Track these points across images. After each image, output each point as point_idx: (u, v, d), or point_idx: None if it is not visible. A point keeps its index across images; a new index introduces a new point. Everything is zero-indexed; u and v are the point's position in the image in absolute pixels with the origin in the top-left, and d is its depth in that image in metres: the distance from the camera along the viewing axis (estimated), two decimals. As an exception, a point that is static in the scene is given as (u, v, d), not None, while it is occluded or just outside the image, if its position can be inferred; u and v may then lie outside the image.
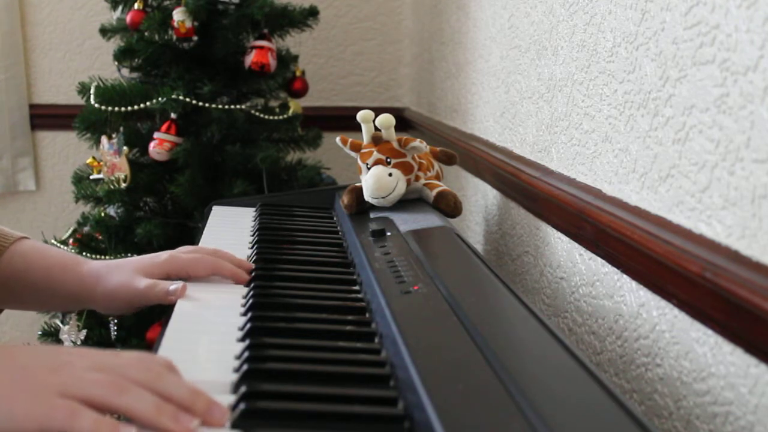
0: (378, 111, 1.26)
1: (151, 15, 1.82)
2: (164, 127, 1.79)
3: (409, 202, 1.25)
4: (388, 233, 1.10)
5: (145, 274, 0.96)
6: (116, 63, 1.93)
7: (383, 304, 0.84)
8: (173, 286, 0.92)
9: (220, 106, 1.81)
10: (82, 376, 0.65)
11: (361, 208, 1.26)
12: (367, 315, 0.88)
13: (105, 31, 1.96)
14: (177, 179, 1.79)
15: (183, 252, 1.00)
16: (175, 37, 1.83)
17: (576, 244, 1.09)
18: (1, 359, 0.67)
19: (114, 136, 1.81)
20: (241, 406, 0.63)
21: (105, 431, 0.61)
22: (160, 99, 1.77)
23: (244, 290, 0.96)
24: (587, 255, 1.06)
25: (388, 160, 1.23)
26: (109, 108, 1.79)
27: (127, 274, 0.97)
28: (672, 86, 0.85)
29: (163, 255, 0.99)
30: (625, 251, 0.92)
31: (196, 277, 0.98)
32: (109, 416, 0.64)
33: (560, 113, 1.17)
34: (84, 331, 1.63)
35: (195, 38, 1.83)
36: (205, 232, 1.25)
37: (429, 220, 1.15)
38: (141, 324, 1.80)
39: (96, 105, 1.80)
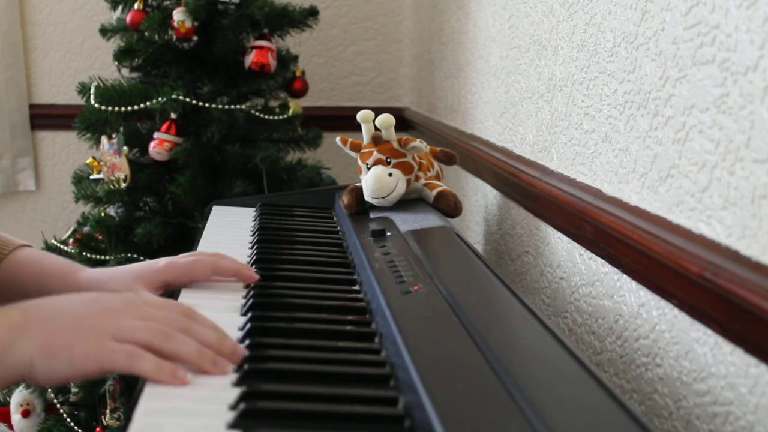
0: (378, 111, 1.26)
1: (151, 15, 1.82)
2: (164, 127, 1.79)
3: (409, 202, 1.25)
4: (388, 233, 1.10)
5: (144, 284, 0.94)
6: (116, 63, 1.93)
7: (383, 304, 0.84)
8: None
9: (220, 106, 1.81)
10: (131, 323, 0.72)
11: (361, 208, 1.26)
12: (367, 315, 0.88)
13: (105, 31, 1.95)
14: (177, 179, 1.79)
15: (182, 257, 0.99)
16: (175, 37, 1.83)
17: (576, 244, 1.09)
18: (49, 311, 0.73)
19: (114, 136, 1.81)
20: (241, 406, 0.63)
21: (166, 372, 0.68)
22: (160, 99, 1.77)
23: (244, 290, 0.96)
24: (587, 255, 1.06)
25: (388, 160, 1.23)
26: (109, 108, 1.78)
27: (126, 284, 0.95)
28: (672, 86, 0.85)
29: (161, 261, 0.96)
30: (625, 251, 0.92)
31: (198, 279, 0.96)
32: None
33: (560, 113, 1.17)
34: None
35: (195, 38, 1.82)
36: (205, 232, 1.25)
37: (429, 220, 1.15)
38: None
39: (96, 105, 1.80)
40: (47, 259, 1.03)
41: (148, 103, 1.78)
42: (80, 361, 0.69)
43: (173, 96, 1.76)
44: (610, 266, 0.99)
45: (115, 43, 1.95)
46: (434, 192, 1.26)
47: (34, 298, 0.98)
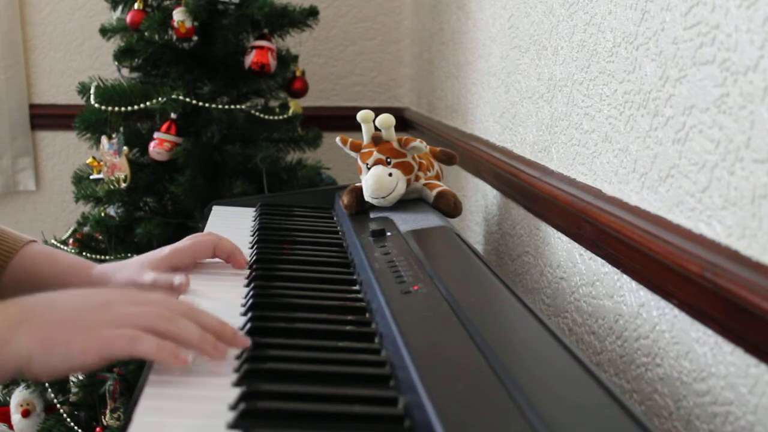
0: (378, 111, 1.26)
1: (151, 15, 1.82)
2: (164, 127, 1.79)
3: (409, 202, 1.25)
4: (388, 233, 1.10)
5: (152, 269, 0.99)
6: (116, 63, 1.93)
7: (383, 304, 0.84)
8: (177, 279, 0.95)
9: (220, 106, 1.81)
10: (129, 310, 0.72)
11: (361, 208, 1.26)
12: (367, 315, 0.88)
13: (105, 31, 1.95)
14: (177, 179, 1.79)
15: (183, 241, 1.05)
16: (175, 37, 1.83)
17: (576, 244, 1.09)
18: (47, 306, 0.73)
19: (114, 136, 1.81)
20: (241, 406, 0.63)
21: (168, 352, 0.68)
22: (160, 99, 1.77)
23: (245, 290, 0.96)
24: (587, 255, 1.06)
25: (388, 160, 1.23)
26: (109, 108, 1.79)
27: (133, 270, 1.00)
28: (672, 86, 0.85)
29: (166, 249, 1.02)
30: (625, 251, 0.92)
31: (202, 258, 1.03)
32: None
33: (560, 113, 1.17)
34: None
35: (195, 38, 1.82)
36: (205, 232, 1.25)
37: (429, 220, 1.15)
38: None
39: (96, 105, 1.80)
40: (59, 255, 1.06)
41: (148, 103, 1.78)
42: (79, 353, 0.69)
43: (173, 96, 1.76)
44: (610, 266, 0.99)
45: (115, 43, 1.95)
46: (434, 192, 1.26)
47: (51, 291, 1.01)
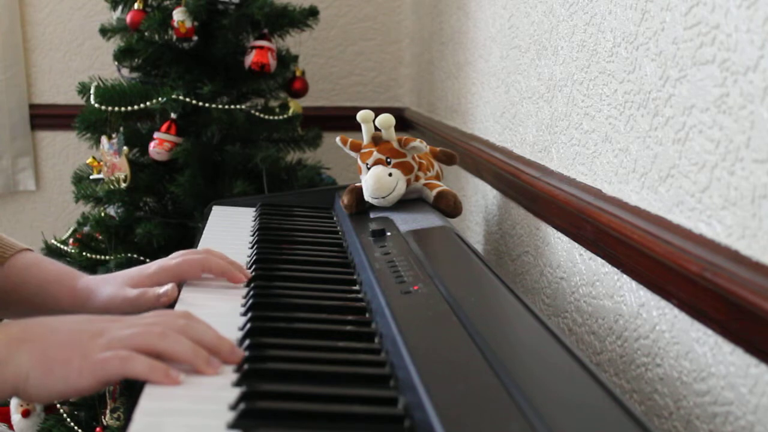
0: (378, 111, 1.26)
1: (151, 15, 1.82)
2: (164, 127, 1.79)
3: (409, 202, 1.25)
4: (388, 233, 1.10)
5: (134, 286, 0.97)
6: (116, 63, 1.93)
7: (383, 304, 0.84)
8: (162, 289, 0.94)
9: (220, 106, 1.81)
10: (124, 332, 0.72)
11: (361, 208, 1.26)
12: (367, 315, 0.88)
13: (105, 31, 1.96)
14: (177, 179, 1.79)
15: (171, 258, 1.00)
16: (175, 37, 1.83)
17: (576, 244, 1.09)
18: (48, 328, 0.73)
19: (114, 136, 1.81)
20: (241, 406, 0.63)
21: (159, 372, 0.69)
22: (160, 99, 1.77)
23: (244, 290, 0.96)
24: (587, 255, 1.06)
25: (388, 160, 1.23)
26: (109, 108, 1.79)
27: (116, 286, 0.98)
28: (672, 86, 0.85)
29: (153, 266, 0.99)
30: (625, 251, 0.92)
31: (187, 279, 0.98)
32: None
33: (560, 113, 1.17)
34: None
35: (195, 38, 1.83)
36: (205, 232, 1.25)
37: (429, 220, 1.15)
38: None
39: (96, 105, 1.80)
40: (48, 264, 1.05)
41: (148, 103, 1.78)
42: (75, 377, 0.69)
43: (173, 96, 1.76)
44: (610, 266, 0.99)
45: (115, 43, 1.95)
46: (434, 192, 1.26)
47: (36, 303, 1.00)
